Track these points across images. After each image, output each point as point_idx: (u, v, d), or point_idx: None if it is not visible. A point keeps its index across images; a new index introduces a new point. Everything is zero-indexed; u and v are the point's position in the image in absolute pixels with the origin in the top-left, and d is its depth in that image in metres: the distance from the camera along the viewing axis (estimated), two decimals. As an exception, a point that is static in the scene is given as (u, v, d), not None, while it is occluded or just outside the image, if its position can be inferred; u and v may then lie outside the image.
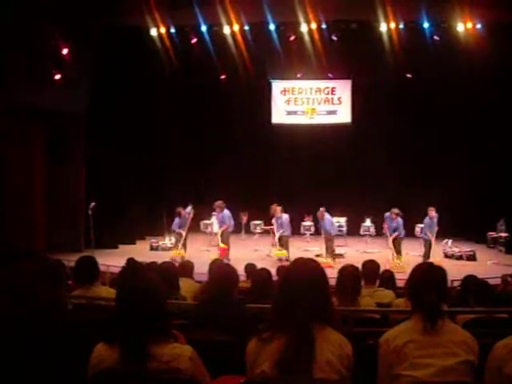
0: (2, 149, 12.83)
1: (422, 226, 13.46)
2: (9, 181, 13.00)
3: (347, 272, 4.79)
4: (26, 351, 2.65)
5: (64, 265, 4.46)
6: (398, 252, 12.93)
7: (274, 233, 13.77)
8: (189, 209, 13.85)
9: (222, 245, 13.06)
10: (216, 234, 14.46)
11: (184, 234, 13.53)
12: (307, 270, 2.69)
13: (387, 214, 13.28)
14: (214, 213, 15.36)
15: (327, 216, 13.42)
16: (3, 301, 2.80)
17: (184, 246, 13.55)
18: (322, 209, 13.49)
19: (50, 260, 4.45)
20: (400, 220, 13.02)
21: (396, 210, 13.06)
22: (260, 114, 17.43)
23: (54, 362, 2.76)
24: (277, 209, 13.61)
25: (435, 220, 12.95)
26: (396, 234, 12.96)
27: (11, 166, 13.09)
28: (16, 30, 11.42)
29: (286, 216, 13.56)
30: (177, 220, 13.68)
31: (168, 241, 14.39)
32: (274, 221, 13.70)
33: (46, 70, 12.57)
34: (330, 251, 13.19)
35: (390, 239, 13.01)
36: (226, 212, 13.50)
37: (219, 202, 13.51)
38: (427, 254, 12.81)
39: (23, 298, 2.85)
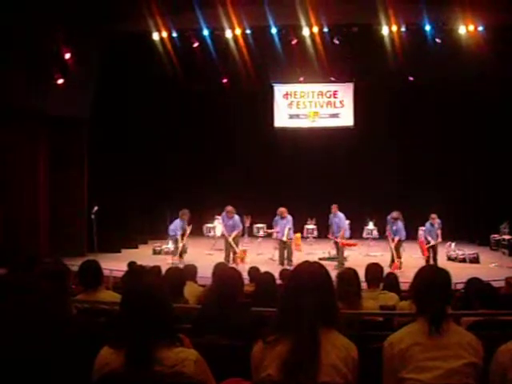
0: (5, 153, 12.87)
1: (424, 228, 13.46)
2: (12, 185, 13.03)
3: (347, 276, 4.79)
4: (30, 355, 2.66)
5: (69, 269, 4.46)
6: (398, 255, 12.95)
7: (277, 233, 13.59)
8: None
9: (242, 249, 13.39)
10: (219, 237, 14.60)
11: (183, 241, 13.35)
12: (312, 273, 2.69)
13: (388, 217, 13.30)
14: (217, 216, 15.37)
15: (340, 213, 13.52)
16: (9, 305, 2.81)
17: (181, 254, 13.38)
18: (334, 205, 13.59)
19: (56, 265, 4.46)
20: (399, 223, 13.01)
21: (395, 214, 13.02)
22: (262, 118, 17.42)
23: (59, 366, 2.77)
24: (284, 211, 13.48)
25: (436, 226, 13.00)
26: (397, 237, 12.95)
27: (15, 171, 13.12)
28: (18, 34, 11.44)
29: (290, 217, 13.52)
30: (178, 221, 13.51)
31: (171, 245, 14.36)
32: (278, 222, 13.55)
33: (48, 74, 12.59)
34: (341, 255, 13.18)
35: (392, 243, 13.00)
36: (237, 217, 13.58)
37: (230, 208, 13.48)
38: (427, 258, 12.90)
39: (28, 302, 2.86)
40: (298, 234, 14.83)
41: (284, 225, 13.27)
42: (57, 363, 2.72)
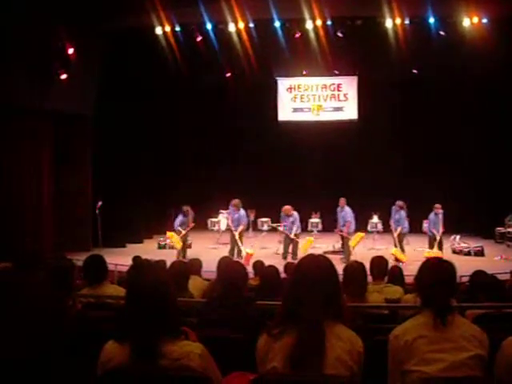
0: (9, 150, 12.88)
1: (428, 221, 13.45)
2: (17, 181, 13.05)
3: (354, 269, 4.78)
4: (30, 353, 2.66)
5: (74, 265, 4.47)
6: (401, 247, 12.99)
7: (284, 232, 13.52)
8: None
9: (249, 251, 12.90)
10: (223, 231, 14.64)
11: (184, 232, 13.34)
12: (318, 266, 2.69)
13: (393, 206, 13.41)
14: (221, 211, 15.38)
15: (347, 207, 13.51)
16: (9, 302, 2.81)
17: (183, 247, 13.36)
18: (342, 199, 13.58)
19: (60, 261, 4.47)
20: (403, 213, 13.08)
21: (400, 203, 13.17)
22: (266, 112, 17.40)
23: (59, 363, 2.78)
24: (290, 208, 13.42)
25: (440, 216, 13.01)
26: (400, 227, 13.03)
27: (19, 167, 13.14)
28: (21, 30, 11.43)
29: (296, 214, 13.50)
30: (181, 217, 13.52)
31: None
32: (286, 220, 13.47)
33: (51, 70, 12.58)
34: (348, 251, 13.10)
35: (395, 233, 13.13)
36: (243, 211, 13.53)
37: (236, 201, 13.48)
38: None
39: (29, 300, 2.86)
40: (311, 238, 14.10)
41: (291, 222, 13.27)
42: (57, 360, 2.73)
